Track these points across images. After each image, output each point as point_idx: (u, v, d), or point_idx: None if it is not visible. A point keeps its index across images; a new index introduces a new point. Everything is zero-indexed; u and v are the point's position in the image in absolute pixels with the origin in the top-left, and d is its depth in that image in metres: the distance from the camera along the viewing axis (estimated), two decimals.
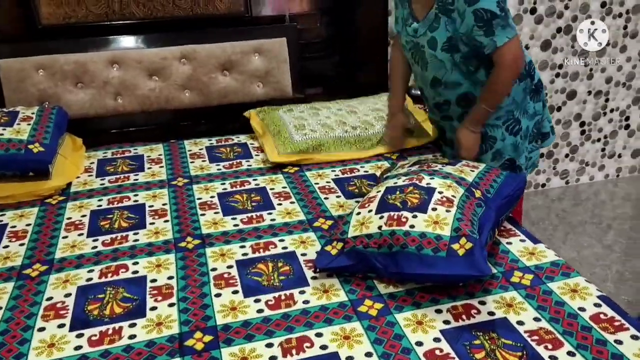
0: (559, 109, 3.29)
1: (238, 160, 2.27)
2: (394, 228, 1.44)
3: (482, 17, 1.69)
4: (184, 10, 2.49)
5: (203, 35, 2.51)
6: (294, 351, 1.26)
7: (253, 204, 1.92)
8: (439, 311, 1.37)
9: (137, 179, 2.13)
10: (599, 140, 3.47)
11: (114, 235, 1.74)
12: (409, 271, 1.42)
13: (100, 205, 1.94)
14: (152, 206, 1.93)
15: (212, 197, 1.98)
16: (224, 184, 2.08)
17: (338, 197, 1.96)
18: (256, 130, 2.40)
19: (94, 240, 1.72)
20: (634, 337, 1.26)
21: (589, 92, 3.30)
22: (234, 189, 2.04)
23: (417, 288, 1.45)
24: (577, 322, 1.31)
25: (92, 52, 2.41)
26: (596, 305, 1.37)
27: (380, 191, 1.58)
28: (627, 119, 3.47)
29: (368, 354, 1.24)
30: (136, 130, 2.51)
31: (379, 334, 1.30)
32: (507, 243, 1.65)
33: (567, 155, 3.45)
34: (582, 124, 3.38)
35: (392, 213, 1.48)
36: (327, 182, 2.08)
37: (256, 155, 2.33)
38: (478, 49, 1.75)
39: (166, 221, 1.82)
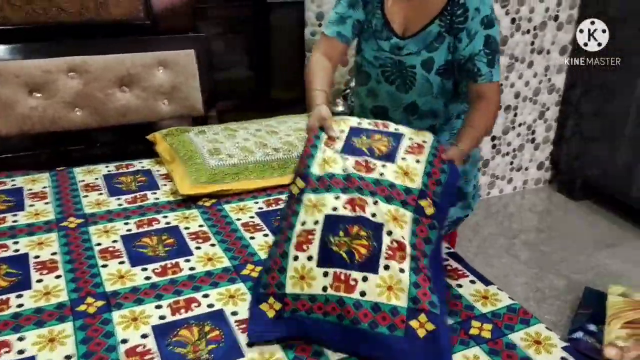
0: None
1: (142, 193, 1.95)
2: (342, 294, 1.23)
3: (491, 45, 1.53)
4: (70, 15, 2.12)
5: (95, 45, 2.16)
6: None
7: (166, 248, 1.63)
8: None
9: (16, 221, 1.75)
10: (507, 154, 3.52)
11: None
12: (364, 352, 1.23)
13: None
14: (37, 257, 1.57)
15: (114, 241, 1.66)
16: (127, 223, 1.76)
17: (265, 235, 1.72)
18: (163, 156, 2.10)
19: None
20: None
21: (500, 107, 3.32)
22: (141, 229, 1.73)
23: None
24: None
25: None
26: (563, 359, 1.28)
27: (318, 223, 1.30)
28: (533, 132, 3.55)
29: None
30: (13, 157, 2.10)
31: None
32: (458, 286, 1.53)
33: (479, 169, 3.45)
34: (493, 138, 3.40)
35: (337, 271, 1.25)
36: (250, 217, 1.83)
37: (163, 185, 2.02)
38: (465, 77, 1.57)
39: (58, 277, 1.48)
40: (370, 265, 1.25)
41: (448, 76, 1.59)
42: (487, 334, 1.35)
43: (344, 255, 1.26)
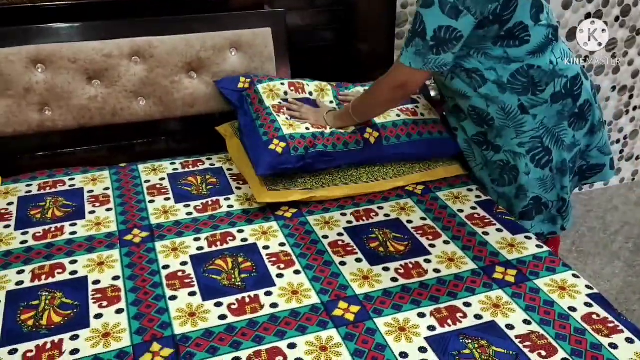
0: None
1: (214, 199, 1.70)
2: None
3: (415, 24, 1.45)
4: None
5: (158, 25, 1.87)
6: None
7: (243, 275, 1.38)
8: (421, 315, 1.26)
9: (74, 233, 1.54)
10: (618, 141, 3.07)
11: (41, 342, 1.17)
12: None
13: (22, 284, 1.35)
14: (97, 282, 1.35)
15: (183, 263, 1.42)
16: (198, 239, 1.52)
17: (359, 261, 1.44)
18: (233, 154, 1.84)
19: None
20: (628, 340, 1.19)
21: (613, 88, 2.87)
22: (213, 248, 1.48)
23: (395, 287, 1.34)
24: (570, 324, 1.23)
25: (6, 48, 1.72)
26: (587, 304, 1.29)
27: None
28: None
29: None
30: (71, 152, 1.88)
31: (358, 344, 1.17)
32: (484, 233, 1.55)
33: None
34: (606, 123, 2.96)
35: None
36: (338, 233, 1.55)
37: (237, 188, 1.76)
38: None
39: (120, 311, 1.26)
40: None
41: None
42: (511, 279, 1.38)
43: None
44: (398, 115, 1.81)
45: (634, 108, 2.99)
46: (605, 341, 1.18)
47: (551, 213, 1.72)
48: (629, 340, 1.18)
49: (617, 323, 1.23)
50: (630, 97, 2.95)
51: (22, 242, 1.49)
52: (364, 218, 1.62)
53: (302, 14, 2.09)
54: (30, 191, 1.72)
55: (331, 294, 1.31)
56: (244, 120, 1.80)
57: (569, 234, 2.76)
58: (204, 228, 1.55)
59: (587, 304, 1.29)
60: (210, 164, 1.89)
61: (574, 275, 1.39)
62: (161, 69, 1.86)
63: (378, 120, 1.77)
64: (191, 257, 1.44)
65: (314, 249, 1.47)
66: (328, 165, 1.71)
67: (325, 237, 1.53)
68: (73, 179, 1.79)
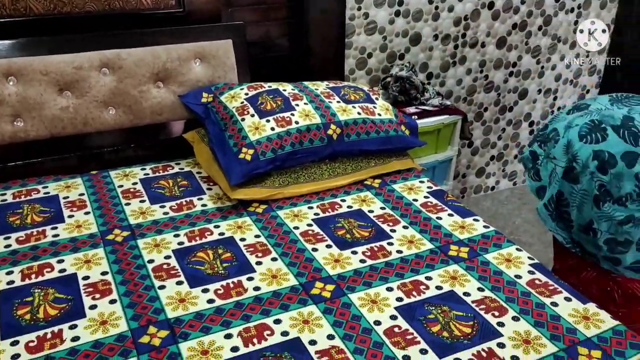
0: (510, 109, 3.13)
1: (188, 199, 1.81)
2: None
3: None
4: (98, 3, 1.94)
5: (126, 38, 1.97)
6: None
7: (224, 264, 1.50)
8: (389, 289, 1.42)
9: (57, 235, 1.61)
10: None
11: (40, 332, 1.25)
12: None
13: (12, 283, 1.41)
14: (87, 278, 1.43)
15: (166, 257, 1.52)
16: (177, 235, 1.62)
17: (329, 247, 1.59)
18: (200, 159, 1.95)
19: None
20: (567, 298, 1.40)
21: (539, 91, 3.17)
22: (193, 242, 1.59)
23: (365, 268, 1.50)
24: (517, 289, 1.43)
25: None
26: (530, 272, 1.50)
27: None
28: None
29: (330, 337, 1.26)
30: (42, 162, 1.94)
31: (337, 316, 1.32)
32: (438, 218, 1.75)
33: (515, 157, 3.31)
34: (532, 124, 3.25)
35: None
36: (307, 224, 1.69)
37: (208, 189, 1.87)
38: None
39: (113, 301, 1.35)
40: None
41: None
42: (464, 255, 1.58)
43: None
44: (359, 114, 1.98)
45: (558, 108, 3.30)
46: (547, 300, 1.38)
47: None
48: (567, 299, 1.39)
49: (556, 286, 1.44)
50: (554, 98, 3.26)
51: (6, 246, 1.55)
52: (330, 210, 1.77)
53: (260, 27, 2.24)
54: (6, 199, 1.77)
55: (307, 276, 1.46)
56: (213, 130, 1.91)
57: (506, 225, 3.01)
58: (182, 225, 1.66)
59: (530, 272, 1.50)
60: (180, 168, 2.00)
61: (517, 249, 1.59)
62: (130, 80, 1.96)
63: (341, 117, 1.94)
64: (173, 251, 1.54)
65: (287, 239, 1.61)
66: (297, 163, 1.86)
67: (296, 228, 1.67)
68: (47, 187, 1.85)
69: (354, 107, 1.98)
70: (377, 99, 2.09)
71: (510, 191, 3.39)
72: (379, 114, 2.02)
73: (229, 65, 2.09)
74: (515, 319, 1.33)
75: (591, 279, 1.70)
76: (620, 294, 1.64)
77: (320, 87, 2.06)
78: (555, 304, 1.37)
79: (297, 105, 1.92)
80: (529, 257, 1.56)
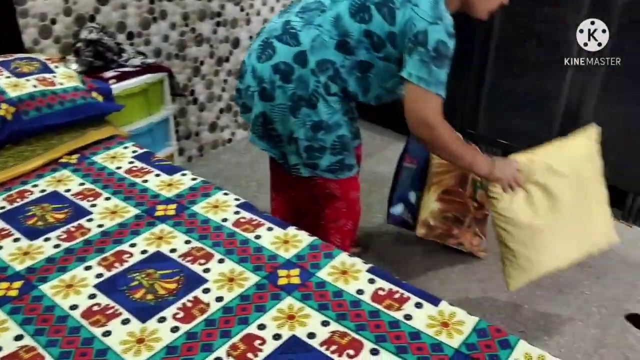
0: (227, 59, 3.14)
1: None
2: None
3: None
4: None
5: None
6: None
7: None
8: (88, 268, 1.31)
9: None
10: None
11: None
12: None
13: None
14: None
15: None
16: None
17: (16, 240, 1.39)
18: None
19: None
20: (269, 228, 1.44)
21: (250, 38, 3.23)
22: None
23: (59, 252, 1.36)
24: (223, 232, 1.43)
25: None
26: (236, 212, 1.51)
27: None
28: None
29: (18, 337, 1.12)
30: None
31: (26, 313, 1.18)
32: (144, 182, 1.66)
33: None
34: None
35: None
36: None
37: None
38: None
39: None
40: None
41: None
42: (172, 212, 1.51)
43: None
44: (35, 87, 1.75)
45: None
46: (251, 235, 1.41)
47: None
48: (269, 229, 1.43)
49: (259, 219, 1.47)
50: None
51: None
52: (19, 200, 1.56)
53: None
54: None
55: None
56: None
57: (250, 173, 3.07)
58: None
59: (236, 212, 1.52)
60: None
61: (224, 194, 1.60)
62: None
63: (13, 93, 1.69)
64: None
65: None
66: None
67: None
68: None
69: (27, 80, 1.75)
70: (57, 67, 1.88)
71: (247, 140, 3.46)
72: (61, 83, 1.82)
73: None
74: (220, 261, 1.33)
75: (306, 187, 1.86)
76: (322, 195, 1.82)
77: None
78: (258, 237, 1.41)
79: None
80: (235, 199, 1.58)
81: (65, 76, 1.86)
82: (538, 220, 1.68)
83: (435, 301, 1.22)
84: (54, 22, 2.30)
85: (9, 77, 1.74)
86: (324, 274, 1.29)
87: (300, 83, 1.60)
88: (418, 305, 1.21)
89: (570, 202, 1.70)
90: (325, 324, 1.15)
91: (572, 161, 1.73)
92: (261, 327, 1.14)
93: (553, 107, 2.74)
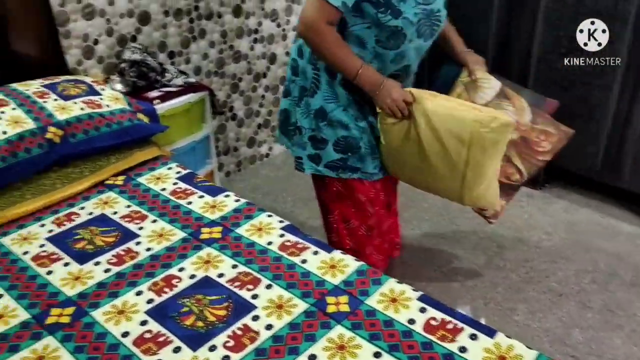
0: (264, 75, 3.15)
1: None
2: None
3: None
4: None
5: None
6: None
7: None
8: (139, 293, 1.31)
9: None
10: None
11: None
12: None
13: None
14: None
15: None
16: None
17: (66, 265, 1.41)
18: None
19: None
20: (314, 252, 1.42)
21: (287, 54, 3.24)
22: None
23: (110, 277, 1.36)
24: (269, 256, 1.42)
25: None
26: (280, 236, 1.50)
27: None
28: None
29: None
30: None
31: (78, 340, 1.18)
32: (188, 203, 1.66)
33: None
34: None
35: None
36: (40, 245, 1.48)
37: None
38: None
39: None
40: None
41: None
42: (217, 235, 1.50)
43: None
44: (82, 109, 1.78)
45: None
46: (297, 260, 1.39)
47: None
48: (314, 253, 1.41)
49: (304, 243, 1.45)
50: None
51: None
52: (66, 222, 1.58)
53: None
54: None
55: (41, 305, 1.27)
56: None
57: (285, 187, 3.07)
58: None
59: (280, 235, 1.50)
60: None
61: (268, 216, 1.59)
62: None
63: (61, 117, 1.73)
64: None
65: (15, 268, 1.40)
66: (16, 178, 1.61)
67: (26, 252, 1.45)
68: None
69: (75, 102, 1.78)
70: (102, 89, 1.91)
71: (285, 154, 3.46)
72: (108, 105, 1.85)
73: None
74: (268, 286, 1.32)
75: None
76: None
77: (31, 87, 1.81)
78: (304, 261, 1.39)
79: (3, 112, 1.66)
80: (279, 221, 1.56)
81: (112, 98, 1.89)
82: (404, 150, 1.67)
83: (490, 332, 1.17)
84: (96, 42, 2.34)
85: (56, 99, 1.78)
86: (373, 301, 1.26)
87: (303, 74, 1.73)
88: (473, 337, 1.16)
89: (435, 153, 1.62)
90: (377, 355, 1.13)
91: (459, 127, 1.59)
92: (312, 357, 1.12)
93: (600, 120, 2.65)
